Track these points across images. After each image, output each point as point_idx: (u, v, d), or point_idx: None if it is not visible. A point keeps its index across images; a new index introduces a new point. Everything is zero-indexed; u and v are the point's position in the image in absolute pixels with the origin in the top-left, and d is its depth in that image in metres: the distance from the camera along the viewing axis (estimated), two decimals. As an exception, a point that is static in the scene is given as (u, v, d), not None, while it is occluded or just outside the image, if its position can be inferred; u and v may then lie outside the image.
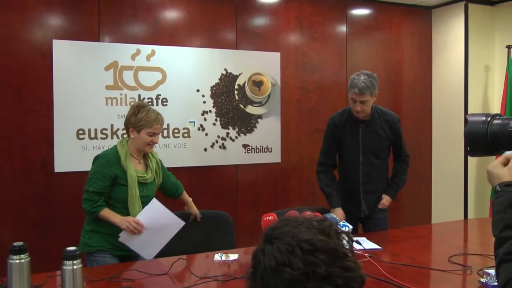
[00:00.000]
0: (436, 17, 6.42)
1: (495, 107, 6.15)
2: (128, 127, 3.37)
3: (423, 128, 6.46)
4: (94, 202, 3.22)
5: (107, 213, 3.24)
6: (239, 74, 5.35)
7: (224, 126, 5.29)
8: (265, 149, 5.51)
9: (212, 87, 5.22)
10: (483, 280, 2.55)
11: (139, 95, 4.86)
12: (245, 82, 5.37)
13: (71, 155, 4.63)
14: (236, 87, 5.34)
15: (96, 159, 3.36)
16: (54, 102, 4.56)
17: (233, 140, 5.34)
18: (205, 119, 5.20)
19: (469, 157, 6.00)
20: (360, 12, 6.07)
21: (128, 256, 3.31)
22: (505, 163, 1.55)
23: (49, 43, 4.56)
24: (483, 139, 1.64)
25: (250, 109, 5.42)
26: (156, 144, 3.44)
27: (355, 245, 2.99)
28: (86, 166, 4.46)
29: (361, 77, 3.75)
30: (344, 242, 1.30)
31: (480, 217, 5.81)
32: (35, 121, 4.53)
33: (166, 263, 2.98)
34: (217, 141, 5.27)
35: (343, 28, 5.93)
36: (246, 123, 5.40)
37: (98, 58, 4.73)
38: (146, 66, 4.92)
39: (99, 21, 4.76)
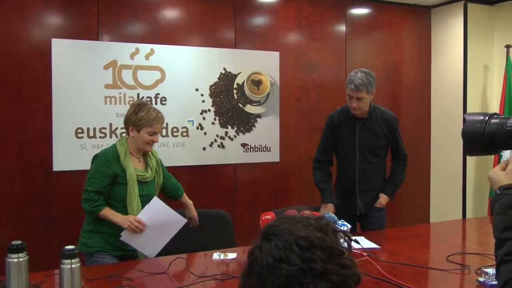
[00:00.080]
0: (436, 16, 6.42)
1: (494, 107, 6.15)
2: (128, 125, 3.32)
3: (422, 127, 6.46)
4: (94, 202, 3.17)
5: (108, 213, 3.20)
6: (238, 73, 5.35)
7: (223, 125, 5.29)
8: (264, 148, 5.51)
9: (211, 86, 5.22)
10: (481, 279, 2.55)
11: (138, 94, 4.86)
12: (244, 81, 5.37)
13: (70, 154, 4.63)
14: (235, 86, 5.34)
15: (95, 158, 3.31)
16: (53, 101, 4.56)
17: (232, 139, 5.34)
18: (204, 118, 5.20)
19: (467, 157, 6.00)
20: (359, 11, 6.07)
21: (128, 256, 3.29)
22: (505, 168, 1.56)
23: (48, 42, 4.56)
24: (480, 138, 1.64)
25: (249, 108, 5.42)
26: (155, 143, 3.41)
27: (354, 244, 3.00)
28: (85, 165, 4.46)
29: (358, 74, 3.78)
30: (341, 240, 1.31)
31: (478, 216, 5.81)
32: (34, 120, 4.53)
33: (165, 262, 2.98)
34: (216, 140, 5.27)
35: (342, 28, 5.93)
36: (245, 122, 5.40)
37: (97, 57, 4.73)
38: (145, 65, 4.92)
39: (98, 20, 4.76)
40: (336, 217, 3.20)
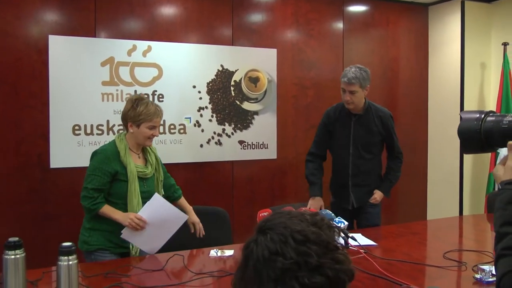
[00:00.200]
0: (433, 14, 6.43)
1: (491, 104, 6.16)
2: (126, 121, 3.25)
3: (419, 125, 6.47)
4: (94, 199, 3.12)
5: (108, 210, 3.15)
6: (236, 71, 5.35)
7: (220, 122, 5.29)
8: (261, 145, 5.51)
9: (208, 83, 5.22)
10: (477, 276, 2.56)
11: (135, 91, 4.85)
12: (241, 79, 5.37)
13: (67, 151, 4.62)
14: (232, 83, 5.34)
15: (94, 154, 3.24)
16: (50, 98, 4.56)
17: (229, 136, 5.34)
18: (201, 115, 5.20)
19: (464, 154, 6.01)
20: (357, 9, 6.07)
21: (129, 254, 3.25)
22: (504, 163, 1.57)
23: (45, 38, 4.55)
24: (476, 136, 1.64)
25: (246, 106, 5.41)
26: (154, 138, 3.35)
27: (351, 241, 3.00)
28: (82, 162, 4.47)
29: (352, 69, 3.88)
30: (337, 236, 1.33)
31: (475, 214, 5.83)
32: (31, 117, 4.53)
33: (162, 259, 2.98)
34: (213, 137, 5.27)
35: (340, 25, 5.93)
36: (242, 119, 5.40)
37: (94, 54, 4.73)
38: (142, 62, 4.91)
39: (95, 16, 4.75)
40: (333, 214, 3.21)
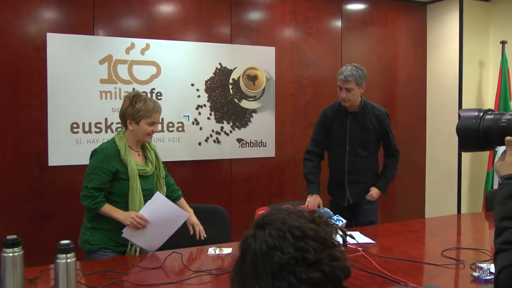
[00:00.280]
0: (431, 12, 6.43)
1: (489, 102, 6.17)
2: (125, 119, 3.22)
3: (417, 123, 6.48)
4: (94, 199, 3.09)
5: (109, 209, 3.12)
6: (234, 69, 5.34)
7: (219, 120, 5.29)
8: (260, 144, 5.51)
9: (206, 81, 5.22)
10: (475, 274, 2.56)
11: (134, 89, 4.83)
12: (239, 77, 5.36)
13: (65, 149, 4.62)
14: (230, 81, 5.33)
15: (94, 153, 3.21)
16: (48, 95, 4.55)
17: (227, 134, 5.33)
18: (199, 113, 5.19)
19: (462, 153, 6.02)
20: (355, 7, 6.07)
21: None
22: (503, 159, 1.59)
23: (43, 36, 4.54)
24: (475, 134, 1.65)
25: (244, 104, 5.41)
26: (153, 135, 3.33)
27: (349, 239, 3.01)
28: (81, 160, 4.48)
29: (349, 67, 3.99)
30: (333, 234, 1.34)
31: (473, 212, 5.84)
32: (29, 115, 4.52)
33: (160, 257, 2.99)
34: (211, 135, 5.26)
35: (338, 23, 5.93)
36: (241, 118, 5.40)
37: (92, 51, 4.72)
38: (141, 60, 4.91)
39: (94, 14, 4.75)
40: (331, 212, 3.21)
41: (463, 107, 5.99)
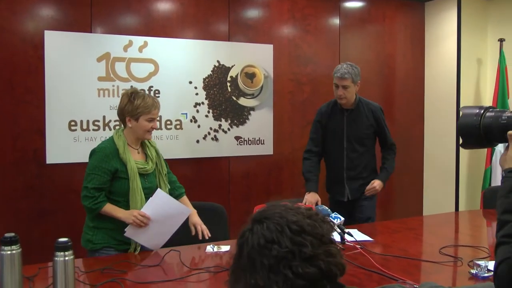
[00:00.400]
0: (429, 10, 6.43)
1: (487, 100, 6.18)
2: (124, 116, 3.19)
3: (415, 121, 6.48)
4: (95, 199, 3.06)
5: (110, 209, 3.09)
6: (232, 66, 5.34)
7: (217, 118, 5.29)
8: (258, 141, 5.51)
9: (204, 79, 5.21)
10: (473, 271, 2.57)
11: (131, 87, 4.80)
12: (237, 74, 5.36)
13: (63, 147, 4.61)
14: (228, 79, 5.33)
15: (93, 153, 3.17)
16: (46, 93, 4.54)
17: (225, 132, 5.33)
18: (197, 111, 5.19)
19: (460, 150, 6.03)
20: (353, 4, 6.07)
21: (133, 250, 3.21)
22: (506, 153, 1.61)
23: (41, 34, 4.53)
24: (476, 132, 1.65)
25: (242, 101, 5.41)
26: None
27: (347, 237, 3.01)
28: (78, 157, 4.48)
29: (344, 65, 4.08)
30: (330, 231, 1.36)
31: (471, 209, 5.84)
32: (26, 112, 4.51)
33: (158, 255, 2.99)
34: (209, 133, 5.26)
35: (336, 21, 5.93)
36: (239, 115, 5.40)
37: (90, 49, 4.71)
38: (139, 58, 4.90)
39: (92, 12, 4.74)
40: (329, 210, 3.21)
41: (461, 105, 5.99)
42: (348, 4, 6.01)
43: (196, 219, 3.38)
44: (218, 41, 5.28)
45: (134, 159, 3.19)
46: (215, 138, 5.29)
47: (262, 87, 5.49)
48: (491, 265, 2.49)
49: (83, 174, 3.16)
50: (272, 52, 5.54)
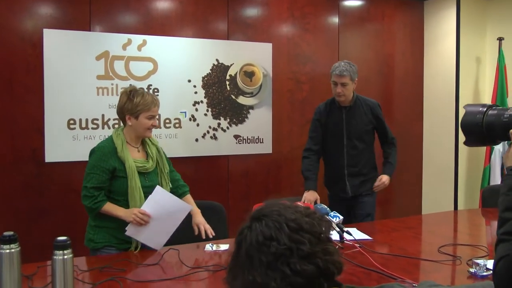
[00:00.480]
0: (428, 8, 6.43)
1: (486, 99, 6.18)
2: (124, 114, 3.18)
3: (414, 119, 6.48)
4: (94, 198, 3.06)
5: (110, 208, 3.09)
6: (231, 65, 5.34)
7: (216, 116, 5.29)
8: (257, 140, 5.51)
9: (203, 78, 5.21)
10: (472, 270, 2.57)
11: (130, 85, 4.80)
12: (236, 73, 5.36)
13: (62, 145, 4.61)
14: (227, 77, 5.33)
15: (92, 152, 3.17)
16: (44, 92, 4.54)
17: (224, 131, 5.33)
18: (196, 110, 5.19)
19: (459, 148, 6.03)
20: (352, 3, 6.07)
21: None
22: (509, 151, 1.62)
23: (39, 32, 4.53)
24: (478, 129, 1.67)
25: (241, 100, 5.41)
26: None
27: (346, 235, 3.01)
28: (77, 156, 4.48)
29: (342, 63, 4.14)
30: (328, 229, 1.37)
31: (470, 208, 5.85)
32: (25, 111, 4.51)
33: (157, 253, 2.99)
34: (208, 132, 5.26)
35: (335, 19, 5.93)
36: (238, 114, 5.39)
37: (89, 47, 4.71)
38: (138, 56, 4.90)
39: (90, 10, 4.73)
40: (328, 208, 3.21)
41: (460, 103, 6.00)
42: (347, 3, 6.01)
43: (199, 219, 3.35)
44: (217, 40, 5.28)
45: (133, 158, 3.18)
46: (214, 137, 5.29)
47: (261, 85, 5.49)
48: (489, 264, 2.50)
49: (82, 173, 3.16)
50: (271, 50, 5.53)
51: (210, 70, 5.24)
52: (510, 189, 1.47)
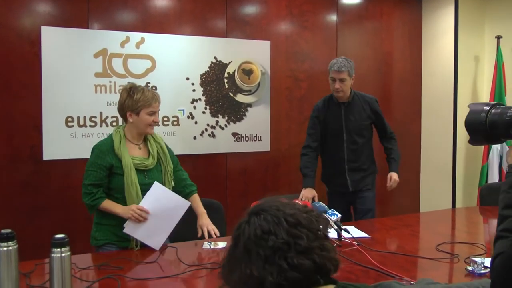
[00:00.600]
0: (427, 6, 6.43)
1: (484, 97, 6.18)
2: (124, 111, 3.17)
3: (412, 117, 6.48)
4: (93, 195, 3.07)
5: (108, 205, 3.10)
6: (229, 63, 5.33)
7: (214, 114, 5.28)
8: (255, 138, 5.51)
9: (201, 75, 5.21)
10: (470, 268, 2.57)
11: (128, 83, 4.80)
12: (234, 71, 5.36)
13: (60, 143, 4.60)
14: (225, 75, 5.32)
15: (92, 150, 3.18)
16: (42, 89, 4.53)
17: (222, 129, 5.33)
18: (194, 107, 5.18)
19: (457, 147, 6.04)
20: (351, 1, 6.06)
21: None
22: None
23: (37, 29, 4.52)
24: (482, 128, 1.67)
25: (239, 98, 5.41)
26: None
27: (344, 233, 3.01)
28: (75, 154, 4.47)
29: (339, 59, 4.21)
30: (326, 227, 1.39)
31: (467, 206, 5.85)
32: (23, 109, 4.50)
33: (155, 251, 2.99)
34: (206, 130, 5.26)
35: (334, 17, 5.92)
36: (236, 112, 5.39)
37: (87, 45, 4.70)
38: (136, 54, 4.89)
39: (89, 7, 4.72)
40: (326, 206, 3.21)
41: (458, 101, 6.01)
42: (346, 1, 6.01)
43: (204, 221, 3.34)
44: (215, 38, 5.27)
45: (133, 155, 3.17)
46: (212, 135, 5.29)
47: (259, 83, 5.49)
48: (487, 262, 2.50)
49: (80, 170, 3.20)
50: (269, 48, 5.53)
51: (208, 67, 5.24)
52: (510, 186, 1.48)
